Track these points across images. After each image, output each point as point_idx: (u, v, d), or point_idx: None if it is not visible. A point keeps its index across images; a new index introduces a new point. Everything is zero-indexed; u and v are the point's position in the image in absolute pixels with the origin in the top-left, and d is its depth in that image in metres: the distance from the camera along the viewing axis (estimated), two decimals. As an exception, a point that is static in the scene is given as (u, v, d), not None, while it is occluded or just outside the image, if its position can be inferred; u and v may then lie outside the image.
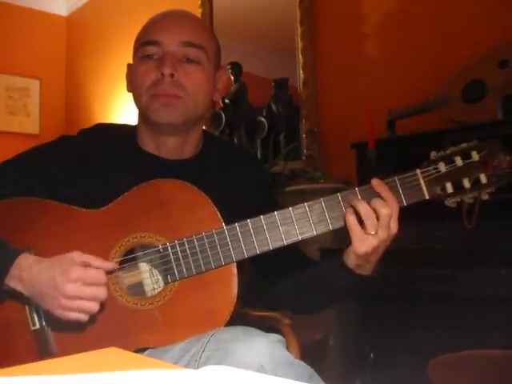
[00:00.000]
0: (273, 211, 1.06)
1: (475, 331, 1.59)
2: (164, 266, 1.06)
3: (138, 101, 1.19)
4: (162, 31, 1.17)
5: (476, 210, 1.05)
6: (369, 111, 2.15)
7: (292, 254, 1.20)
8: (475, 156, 1.05)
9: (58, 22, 4.74)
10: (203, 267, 1.05)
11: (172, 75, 1.14)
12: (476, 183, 1.05)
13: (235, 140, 3.19)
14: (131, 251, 1.08)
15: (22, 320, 1.06)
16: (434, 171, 1.05)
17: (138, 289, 1.08)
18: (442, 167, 1.05)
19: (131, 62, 1.23)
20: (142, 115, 1.20)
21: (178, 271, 1.05)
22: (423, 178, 1.05)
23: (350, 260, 1.06)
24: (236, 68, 3.18)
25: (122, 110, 3.95)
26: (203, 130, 1.29)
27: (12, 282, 1.01)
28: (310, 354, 1.25)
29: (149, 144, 1.22)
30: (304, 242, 1.08)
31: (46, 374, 0.58)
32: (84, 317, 0.98)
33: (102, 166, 1.17)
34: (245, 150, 2.06)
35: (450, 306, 1.69)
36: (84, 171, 1.16)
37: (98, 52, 4.37)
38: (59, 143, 1.23)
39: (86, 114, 4.41)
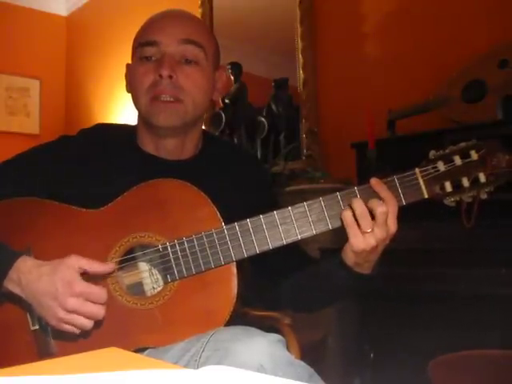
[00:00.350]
0: (273, 211, 1.06)
1: (475, 331, 1.59)
2: (163, 265, 1.06)
3: (137, 102, 1.19)
4: (159, 31, 1.17)
5: (475, 209, 1.05)
6: (369, 111, 2.15)
7: (292, 253, 1.20)
8: (474, 155, 1.05)
9: (58, 22, 4.75)
10: (203, 267, 1.05)
11: (170, 77, 1.14)
12: (475, 182, 1.05)
13: (235, 140, 3.19)
14: (131, 251, 1.08)
15: (21, 320, 1.06)
16: (432, 170, 1.05)
17: (137, 288, 1.08)
18: (441, 166, 1.05)
19: (130, 62, 1.23)
20: (142, 117, 1.21)
21: (177, 271, 1.05)
22: (422, 177, 1.05)
23: (349, 258, 1.06)
24: (236, 68, 3.18)
25: (122, 110, 3.96)
26: (203, 129, 1.29)
27: (11, 285, 1.01)
28: (310, 353, 1.25)
29: (148, 144, 1.22)
30: (304, 241, 1.08)
31: (46, 374, 0.58)
32: (77, 331, 0.99)
33: (102, 166, 1.17)
34: (245, 150, 2.05)
35: (450, 305, 1.69)
36: (84, 171, 1.16)
37: (98, 52, 4.37)
38: (59, 143, 1.23)
39: (86, 114, 4.41)
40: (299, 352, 1.21)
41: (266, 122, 3.06)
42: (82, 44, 4.63)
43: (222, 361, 0.88)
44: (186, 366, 0.94)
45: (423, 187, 1.05)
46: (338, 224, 1.05)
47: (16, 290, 1.00)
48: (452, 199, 1.06)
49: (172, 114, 1.15)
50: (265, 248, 1.06)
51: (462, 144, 1.06)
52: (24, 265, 1.00)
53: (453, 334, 1.64)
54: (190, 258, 1.05)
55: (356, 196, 1.04)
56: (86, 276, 1.00)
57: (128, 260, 1.08)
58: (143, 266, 1.09)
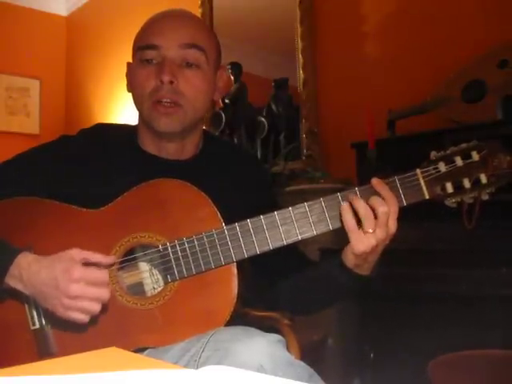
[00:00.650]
0: (273, 211, 1.06)
1: (475, 331, 1.59)
2: (164, 265, 1.06)
3: (138, 105, 1.19)
4: (159, 34, 1.16)
5: (476, 210, 1.05)
6: (369, 111, 2.15)
7: (292, 254, 1.20)
8: (475, 156, 1.05)
9: (58, 22, 4.74)
10: (203, 267, 1.05)
11: (171, 82, 1.14)
12: (476, 183, 1.05)
13: (235, 140, 3.18)
14: (131, 251, 1.08)
15: (21, 320, 1.06)
16: (434, 171, 1.05)
17: (137, 288, 1.08)
18: (442, 167, 1.05)
19: (131, 60, 1.23)
20: (143, 119, 1.21)
21: (177, 271, 1.05)
22: (423, 177, 1.05)
23: (349, 259, 1.06)
24: (236, 68, 3.18)
25: (122, 110, 3.95)
26: (203, 129, 1.29)
27: (12, 281, 1.01)
28: (309, 354, 1.25)
29: (149, 145, 1.22)
30: (304, 241, 1.08)
31: (46, 374, 0.58)
32: (85, 317, 0.99)
33: (102, 166, 1.17)
34: (245, 150, 2.05)
35: (450, 305, 1.69)
36: (84, 171, 1.16)
37: (98, 52, 4.37)
38: (59, 143, 1.23)
39: (86, 114, 4.41)
40: (299, 352, 1.21)
41: (265, 122, 3.06)
42: (82, 44, 4.63)
43: (221, 361, 0.88)
44: (186, 365, 0.94)
45: (424, 188, 1.05)
46: (338, 225, 1.05)
47: (18, 285, 1.01)
48: (453, 200, 1.06)
49: (172, 119, 1.15)
50: (265, 248, 1.06)
51: (464, 145, 1.06)
52: (24, 260, 1.01)
53: (453, 334, 1.64)
54: (190, 258, 1.05)
55: (356, 196, 1.04)
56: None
57: (128, 260, 1.08)
58: (143, 266, 1.09)
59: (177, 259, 1.05)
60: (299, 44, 2.90)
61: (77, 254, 0.99)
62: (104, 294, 0.98)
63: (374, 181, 1.04)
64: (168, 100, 1.14)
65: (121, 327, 1.05)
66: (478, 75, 2.05)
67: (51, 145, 1.23)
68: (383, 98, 2.43)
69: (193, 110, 1.17)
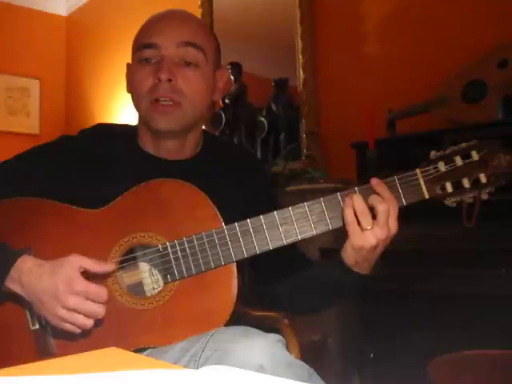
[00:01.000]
0: (273, 211, 1.06)
1: (475, 331, 1.59)
2: (164, 265, 1.06)
3: (137, 104, 1.19)
4: (158, 33, 1.16)
5: (476, 209, 1.05)
6: (369, 111, 2.15)
7: (292, 254, 1.20)
8: (475, 156, 1.05)
9: (57, 21, 4.74)
10: (203, 267, 1.05)
11: (170, 80, 1.14)
12: (476, 183, 1.05)
13: (235, 140, 3.18)
14: (131, 251, 1.08)
15: (21, 320, 1.06)
16: (433, 171, 1.05)
17: (137, 288, 1.08)
18: (442, 167, 1.05)
19: (131, 61, 1.23)
20: (142, 118, 1.21)
21: (177, 271, 1.05)
22: (423, 177, 1.05)
23: (348, 256, 1.06)
24: (236, 68, 3.18)
25: (122, 110, 3.95)
26: (203, 129, 1.29)
27: (12, 285, 1.01)
28: (309, 354, 1.25)
29: (149, 145, 1.22)
30: (304, 241, 1.08)
31: (46, 374, 0.58)
32: (78, 330, 0.99)
33: (102, 166, 1.17)
34: (245, 150, 2.05)
35: (450, 305, 1.69)
36: (84, 171, 1.16)
37: (98, 52, 4.37)
38: (59, 143, 1.23)
39: (85, 114, 4.41)
40: (299, 352, 1.21)
41: (265, 122, 3.06)
42: (82, 44, 4.63)
43: (221, 361, 0.88)
44: (186, 366, 0.94)
45: (424, 188, 1.05)
46: (338, 224, 1.05)
47: (17, 289, 1.00)
48: (453, 200, 1.06)
49: (171, 118, 1.15)
50: (265, 248, 1.06)
51: (463, 144, 1.06)
52: (25, 264, 1.00)
53: (453, 334, 1.64)
54: (190, 258, 1.05)
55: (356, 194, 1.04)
56: (87, 275, 1.00)
57: (128, 260, 1.08)
58: (143, 266, 1.09)
59: (176, 259, 1.05)
60: (299, 44, 2.90)
61: (77, 260, 0.99)
62: (99, 311, 0.98)
63: (374, 181, 1.04)
64: (166, 98, 1.14)
65: (121, 327, 1.04)
66: (478, 75, 2.05)
67: (51, 145, 1.23)
68: (383, 98, 2.43)
69: (192, 108, 1.17)
